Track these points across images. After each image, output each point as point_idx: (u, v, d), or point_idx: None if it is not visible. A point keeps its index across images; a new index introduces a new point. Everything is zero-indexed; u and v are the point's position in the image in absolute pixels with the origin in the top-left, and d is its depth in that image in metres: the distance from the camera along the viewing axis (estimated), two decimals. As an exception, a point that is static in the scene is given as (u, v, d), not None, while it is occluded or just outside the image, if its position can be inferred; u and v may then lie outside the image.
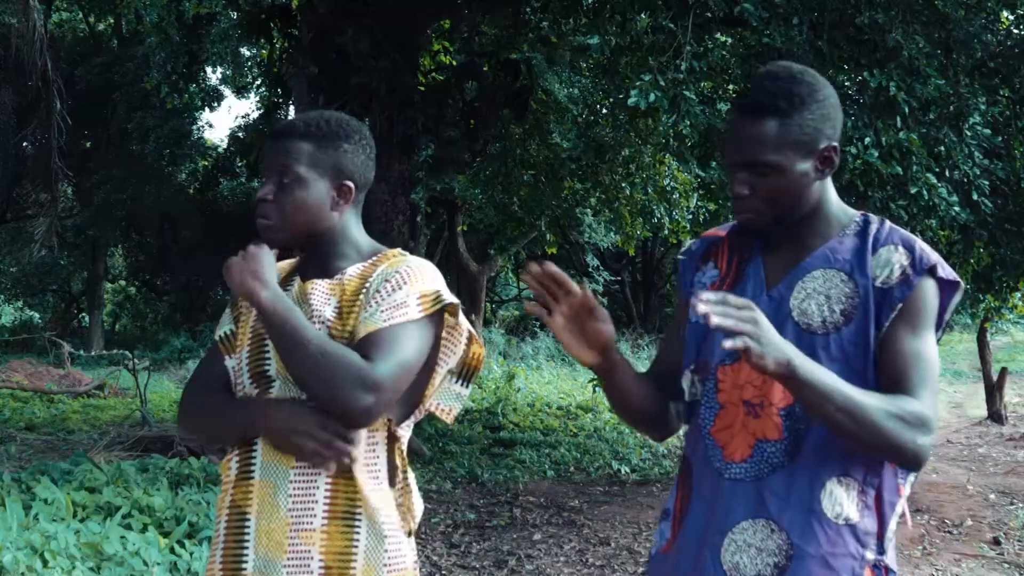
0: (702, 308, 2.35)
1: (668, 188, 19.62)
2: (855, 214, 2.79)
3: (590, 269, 34.10)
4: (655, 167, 18.76)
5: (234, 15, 21.52)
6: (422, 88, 14.58)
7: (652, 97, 8.75)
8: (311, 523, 2.87)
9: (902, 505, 2.74)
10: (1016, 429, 18.36)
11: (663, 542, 2.88)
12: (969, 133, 9.65)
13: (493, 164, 18.72)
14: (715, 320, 2.34)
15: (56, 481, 9.37)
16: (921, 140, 9.11)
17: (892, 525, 2.68)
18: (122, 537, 7.58)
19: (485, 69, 15.06)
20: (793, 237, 2.78)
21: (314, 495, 2.88)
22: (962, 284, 2.69)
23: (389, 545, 2.92)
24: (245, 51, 28.10)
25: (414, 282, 2.98)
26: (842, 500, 2.59)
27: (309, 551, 2.85)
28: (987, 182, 9.65)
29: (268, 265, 2.90)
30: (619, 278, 38.51)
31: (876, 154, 8.85)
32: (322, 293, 3.02)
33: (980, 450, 16.03)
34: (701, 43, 9.96)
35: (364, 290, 2.98)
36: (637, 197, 19.25)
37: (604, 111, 18.94)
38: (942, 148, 9.43)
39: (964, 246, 11.57)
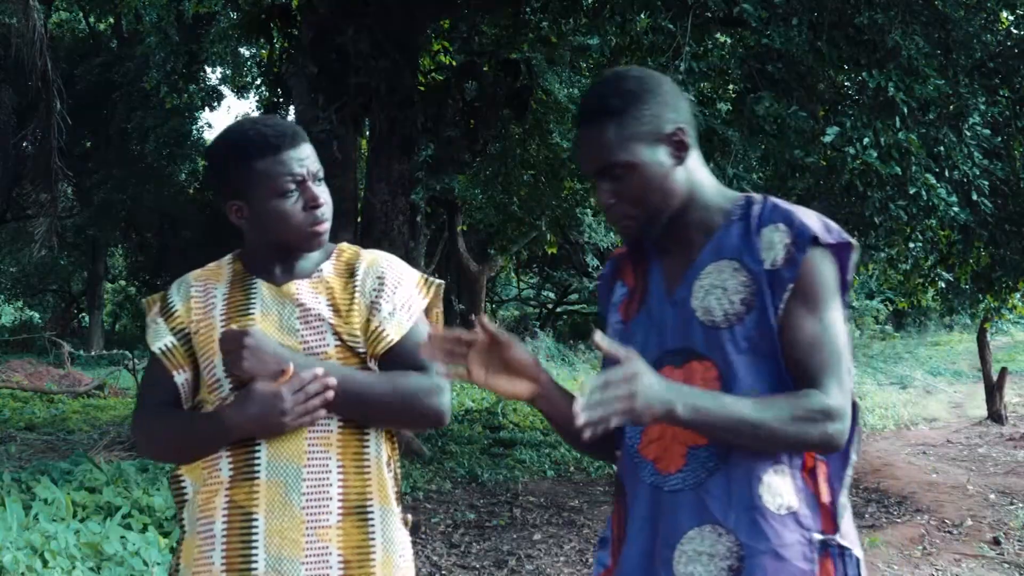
0: (577, 410, 2.36)
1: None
2: (737, 197, 2.74)
3: (590, 269, 34.08)
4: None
5: (234, 15, 21.53)
6: (422, 88, 14.60)
7: (651, 97, 8.74)
8: (327, 520, 2.91)
9: (849, 475, 2.68)
10: (1016, 429, 18.35)
11: (601, 569, 2.85)
12: (968, 133, 9.65)
13: (493, 164, 18.72)
14: (581, 421, 2.35)
15: (56, 481, 9.38)
16: (920, 140, 9.11)
17: (842, 499, 2.62)
18: (122, 537, 7.59)
19: (485, 69, 15.07)
20: (680, 235, 2.73)
21: (328, 492, 2.91)
22: (854, 242, 2.64)
23: (399, 536, 3.05)
24: (245, 51, 28.09)
25: (404, 273, 3.17)
26: (780, 490, 2.56)
27: (327, 547, 2.90)
28: (987, 182, 9.65)
29: (274, 344, 2.89)
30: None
31: (875, 154, 8.84)
32: (309, 293, 3.04)
33: (980, 450, 16.03)
34: (700, 44, 9.97)
35: (356, 289, 3.07)
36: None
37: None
38: (941, 148, 9.43)
39: (964, 246, 11.59)
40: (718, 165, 9.87)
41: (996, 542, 9.78)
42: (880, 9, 9.44)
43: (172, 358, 3.04)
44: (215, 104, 32.92)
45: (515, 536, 9.95)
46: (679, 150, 2.67)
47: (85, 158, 32.93)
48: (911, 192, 9.13)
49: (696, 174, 2.73)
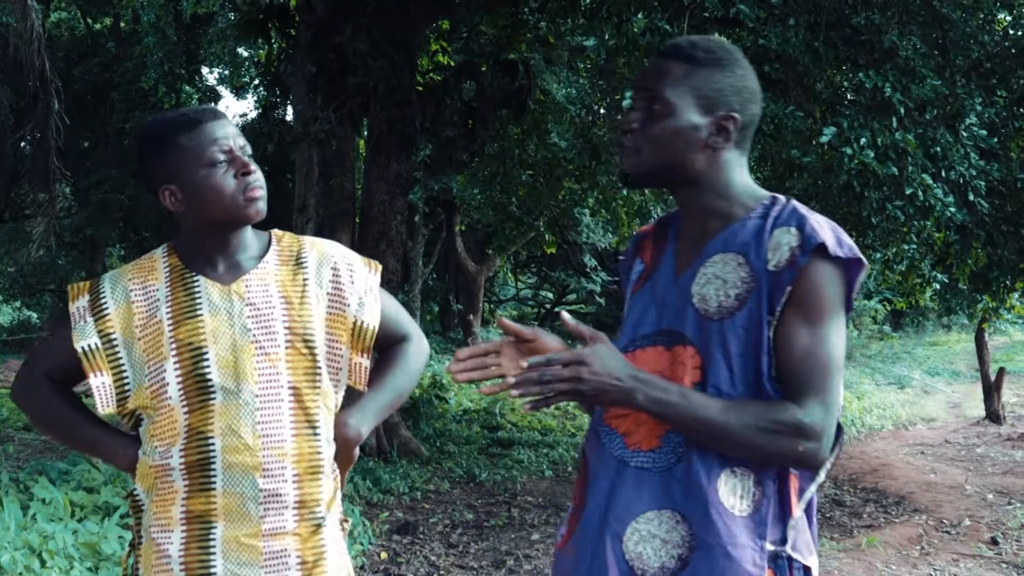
0: (509, 382, 2.50)
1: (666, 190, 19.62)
2: (763, 196, 2.73)
3: (588, 269, 34.10)
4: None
5: (232, 15, 21.54)
6: (420, 88, 14.58)
7: (648, 98, 8.75)
8: (284, 526, 2.96)
9: (811, 492, 2.67)
10: (1014, 429, 18.39)
11: (559, 538, 2.86)
12: (965, 134, 9.66)
13: (491, 164, 18.73)
14: (513, 394, 2.48)
15: (54, 481, 9.38)
16: (917, 141, 9.11)
17: (797, 512, 2.61)
18: (120, 537, 7.60)
19: (483, 69, 15.06)
20: (698, 220, 2.74)
21: (284, 500, 2.96)
22: (864, 261, 2.60)
23: (340, 536, 3.16)
24: (243, 51, 28.10)
25: (351, 258, 3.26)
26: (737, 490, 2.55)
27: (286, 550, 2.96)
28: (983, 183, 9.66)
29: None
30: (617, 279, 38.50)
31: (872, 155, 8.85)
32: (259, 289, 3.05)
33: (978, 450, 16.06)
34: (698, 44, 9.96)
35: (309, 280, 3.12)
36: (633, 198, 19.25)
37: (601, 112, 18.94)
38: (938, 149, 9.44)
39: (961, 247, 11.59)
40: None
41: (994, 542, 9.80)
42: (877, 9, 9.45)
43: (93, 360, 3.02)
44: (213, 103, 32.87)
45: (513, 536, 9.96)
46: (719, 133, 2.67)
47: (83, 158, 32.87)
48: (908, 192, 9.13)
49: (726, 167, 2.72)
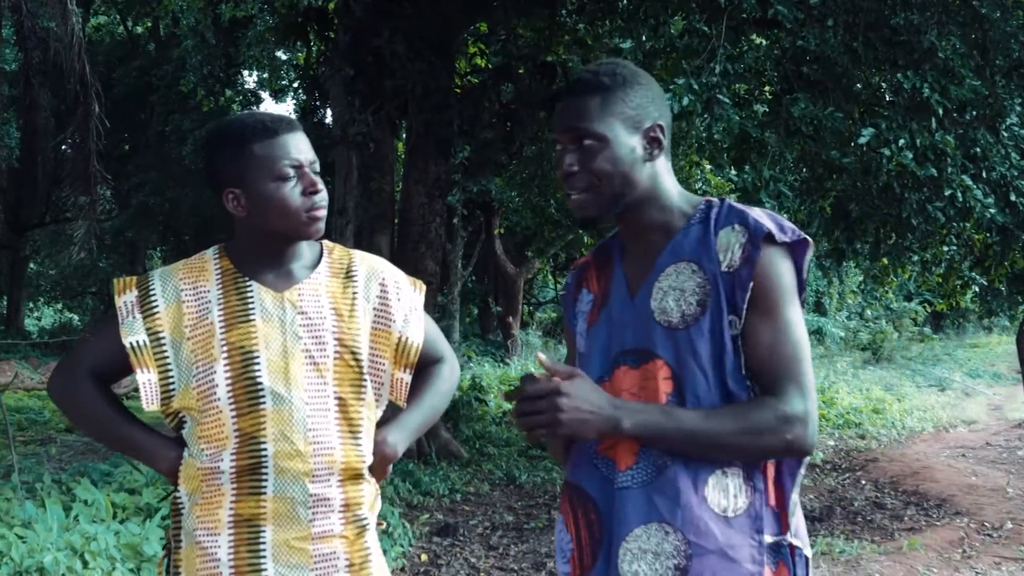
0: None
1: (699, 192, 19.58)
2: (699, 201, 2.75)
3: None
4: (688, 170, 18.73)
5: (270, 18, 21.59)
6: (458, 90, 14.60)
7: (686, 101, 8.74)
8: (331, 529, 3.00)
9: (801, 473, 2.67)
10: (1056, 431, 18.25)
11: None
12: (1006, 134, 9.62)
13: (529, 166, 18.72)
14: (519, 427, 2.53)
15: (96, 483, 9.43)
16: (956, 142, 9.07)
17: (793, 496, 2.62)
18: (161, 538, 7.62)
19: (521, 72, 15.07)
20: (640, 236, 2.76)
21: (331, 504, 2.99)
22: (810, 240, 2.64)
23: (377, 538, 3.20)
24: (281, 54, 28.19)
25: (398, 276, 3.29)
26: (728, 490, 2.56)
27: (334, 552, 2.99)
28: (1025, 183, 9.62)
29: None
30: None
31: (911, 156, 8.82)
32: (311, 298, 3.08)
33: (1020, 453, 15.92)
34: (735, 46, 9.95)
35: (358, 294, 3.15)
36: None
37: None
38: (978, 150, 9.39)
39: (1001, 248, 11.52)
40: (754, 167, 9.85)
41: (1036, 545, 9.73)
42: (916, 10, 9.41)
43: (140, 356, 3.02)
44: (253, 107, 32.99)
45: (553, 538, 9.94)
46: (652, 146, 2.71)
47: (123, 161, 33.09)
48: (947, 194, 9.09)
49: (662, 176, 2.76)
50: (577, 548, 2.78)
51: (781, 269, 2.59)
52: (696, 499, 2.55)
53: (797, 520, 2.66)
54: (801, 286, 2.65)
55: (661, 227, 2.73)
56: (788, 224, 2.63)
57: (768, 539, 2.57)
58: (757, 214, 2.62)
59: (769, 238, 2.57)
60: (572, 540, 2.80)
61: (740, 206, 2.66)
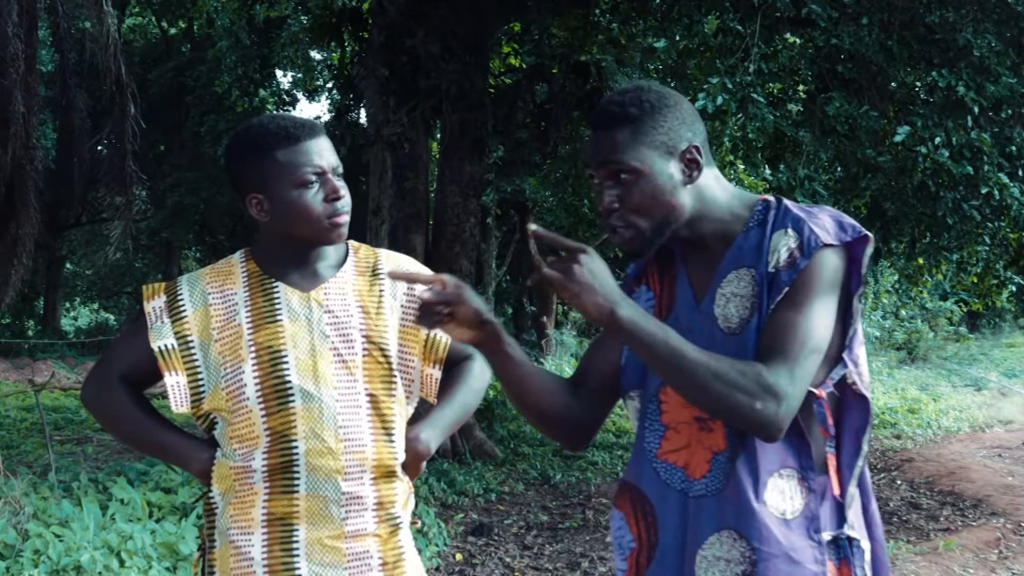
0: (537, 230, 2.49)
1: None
2: (754, 201, 2.73)
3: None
4: (722, 170, 18.71)
5: (305, 19, 21.66)
6: (492, 90, 14.61)
7: (720, 100, 8.73)
8: (365, 528, 3.01)
9: (859, 467, 2.65)
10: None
11: None
12: (1043, 132, 9.57)
13: (563, 166, 18.72)
14: (545, 273, 2.45)
15: (132, 482, 9.47)
16: (993, 140, 9.04)
17: (850, 488, 2.61)
18: (197, 537, 7.65)
19: (555, 71, 15.07)
20: (700, 247, 2.74)
21: (365, 503, 3.01)
22: (870, 236, 2.61)
23: (411, 537, 3.19)
24: (316, 54, 28.26)
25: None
26: (786, 493, 2.56)
27: (368, 551, 3.01)
28: (1062, 181, 9.57)
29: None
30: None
31: (947, 154, 8.79)
32: (337, 297, 3.09)
33: (1056, 452, 15.86)
34: (769, 45, 9.93)
35: (385, 291, 3.16)
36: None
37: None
38: (1014, 148, 9.35)
39: (1038, 247, 11.48)
40: (789, 166, 9.83)
41: (1073, 545, 9.69)
42: (951, 7, 9.37)
43: (168, 360, 3.05)
44: (287, 107, 33.10)
45: (588, 538, 9.95)
46: (691, 168, 2.67)
47: (159, 161, 33.22)
48: (983, 192, 9.06)
49: (709, 190, 2.71)
50: (638, 547, 2.79)
51: (826, 267, 2.55)
52: (758, 504, 2.55)
53: (854, 511, 2.65)
54: (857, 281, 2.61)
55: (717, 234, 2.71)
56: (848, 221, 2.60)
57: (826, 536, 2.57)
58: (815, 221, 2.58)
59: (823, 246, 2.54)
60: (635, 540, 2.80)
61: (798, 209, 2.64)
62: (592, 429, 2.94)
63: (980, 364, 31.79)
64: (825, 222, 2.59)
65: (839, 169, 11.83)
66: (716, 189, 2.73)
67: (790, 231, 2.58)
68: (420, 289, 2.89)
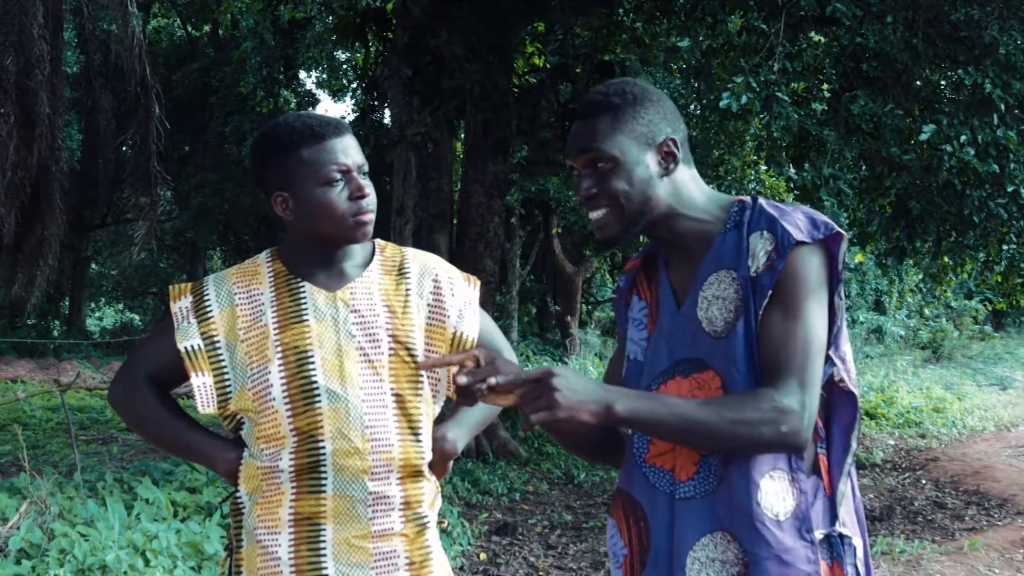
0: (492, 382, 2.51)
1: (753, 192, 19.51)
2: (729, 203, 2.74)
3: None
4: (743, 170, 18.70)
5: (329, 19, 21.70)
6: (516, 90, 14.61)
7: (744, 99, 8.72)
8: (391, 527, 3.01)
9: (849, 464, 2.66)
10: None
11: None
12: (1071, 130, 9.53)
13: (587, 165, 18.72)
14: (532, 421, 2.47)
15: (157, 481, 9.50)
16: (1019, 138, 9.01)
17: (841, 486, 2.62)
18: (222, 537, 7.68)
19: (579, 71, 15.06)
20: (679, 247, 2.76)
21: (391, 503, 3.01)
22: (844, 233, 2.61)
23: (438, 536, 3.18)
24: (340, 55, 28.31)
25: (451, 272, 3.29)
26: (778, 494, 2.56)
27: (395, 551, 3.01)
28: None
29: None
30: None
31: (972, 152, 8.77)
32: (363, 297, 3.09)
33: (1084, 451, 15.80)
34: (794, 43, 9.92)
35: (411, 290, 3.15)
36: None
37: (696, 112, 18.89)
38: (1040, 146, 9.33)
39: (1064, 246, 11.44)
40: (814, 165, 9.81)
41: (1099, 545, 9.65)
42: (976, 5, 9.35)
43: (195, 360, 3.05)
44: (311, 108, 33.15)
45: (611, 538, 9.94)
46: (667, 160, 2.70)
47: (183, 162, 33.33)
48: (1010, 190, 9.03)
49: (685, 187, 2.74)
50: (629, 554, 2.80)
51: (808, 267, 2.57)
52: (748, 506, 2.55)
53: (845, 509, 2.65)
54: (836, 278, 2.63)
55: (696, 235, 2.73)
56: (821, 219, 2.61)
57: (818, 535, 2.58)
58: (788, 219, 2.60)
59: (797, 244, 2.56)
60: (626, 546, 2.82)
61: (772, 208, 2.65)
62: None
63: (1005, 363, 31.67)
64: (798, 220, 2.61)
65: (864, 168, 11.81)
66: (693, 188, 2.76)
67: (766, 233, 2.60)
68: (454, 371, 2.83)
